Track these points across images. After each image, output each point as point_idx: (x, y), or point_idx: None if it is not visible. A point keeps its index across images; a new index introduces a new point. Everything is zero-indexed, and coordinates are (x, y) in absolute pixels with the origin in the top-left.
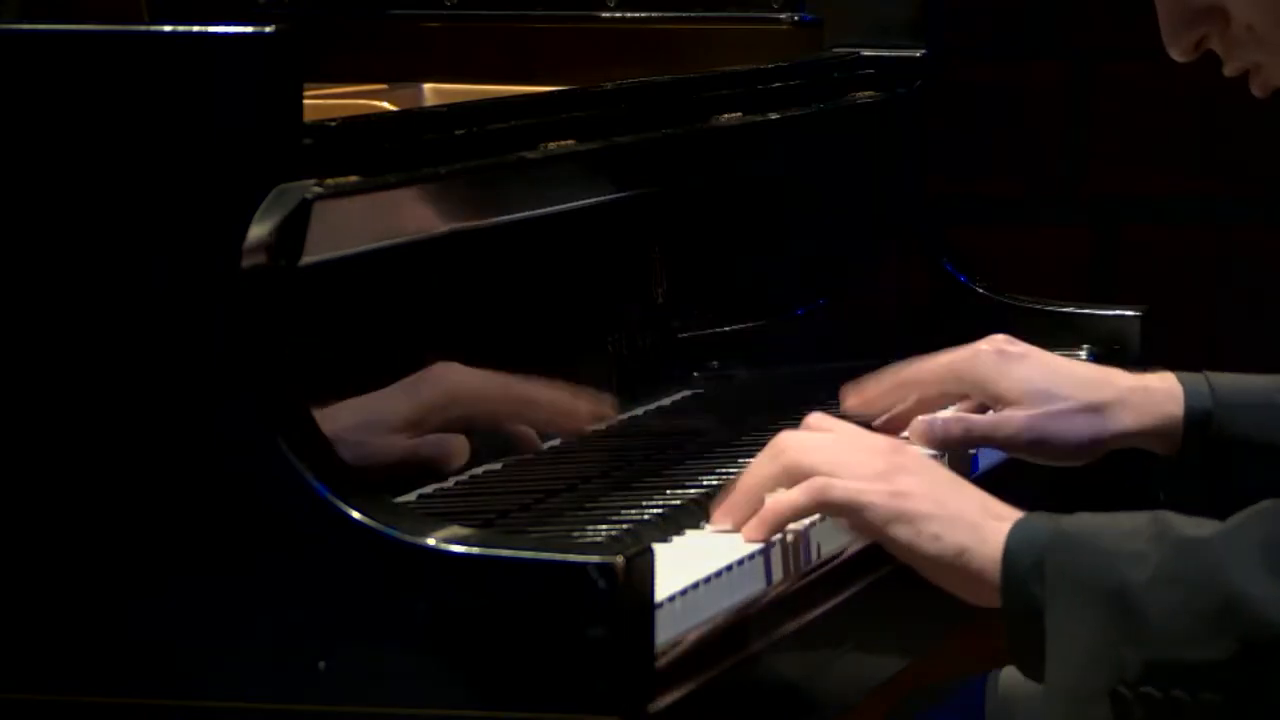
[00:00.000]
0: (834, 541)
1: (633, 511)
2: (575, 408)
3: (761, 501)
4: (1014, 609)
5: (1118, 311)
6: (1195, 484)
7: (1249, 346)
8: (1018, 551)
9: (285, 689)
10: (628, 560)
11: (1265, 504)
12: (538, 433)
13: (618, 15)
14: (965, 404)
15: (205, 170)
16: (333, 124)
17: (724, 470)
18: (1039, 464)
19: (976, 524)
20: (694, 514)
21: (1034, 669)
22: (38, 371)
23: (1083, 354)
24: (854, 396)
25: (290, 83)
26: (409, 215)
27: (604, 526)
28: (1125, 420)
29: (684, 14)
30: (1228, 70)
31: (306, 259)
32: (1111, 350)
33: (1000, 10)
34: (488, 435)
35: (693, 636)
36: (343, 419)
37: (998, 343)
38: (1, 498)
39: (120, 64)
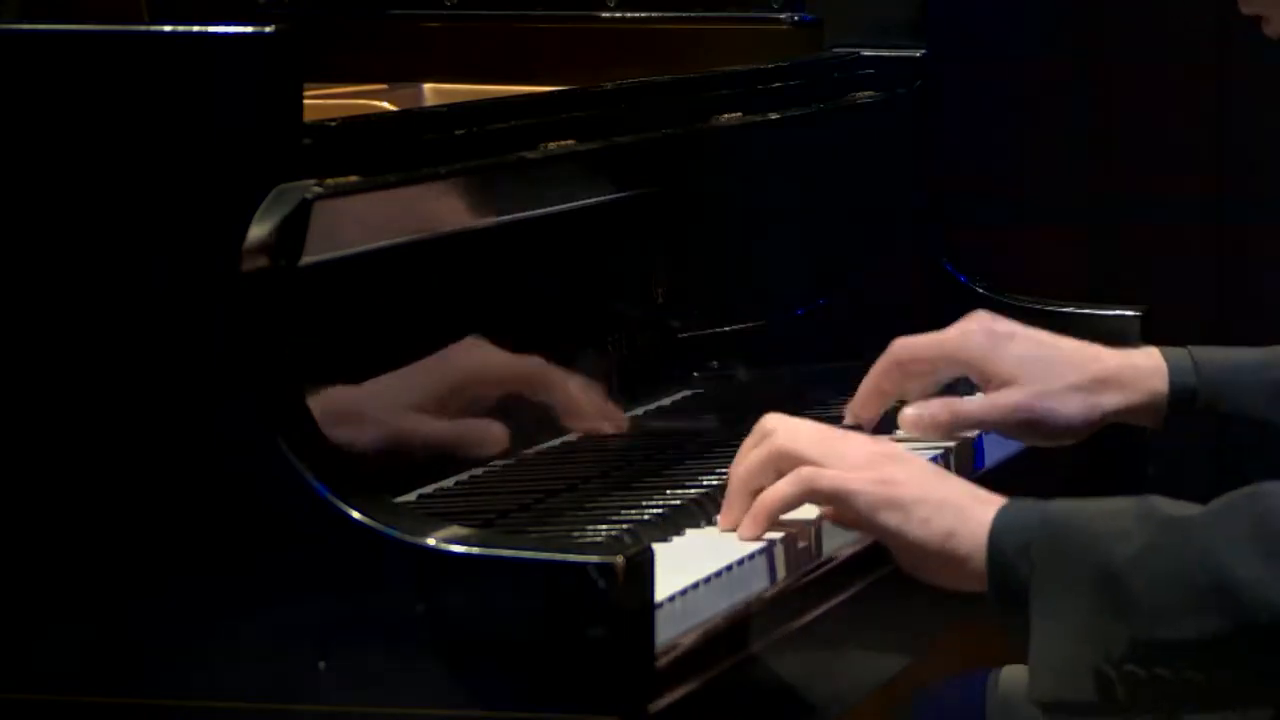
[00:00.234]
0: (834, 541)
1: (633, 511)
2: (595, 400)
3: (755, 493)
4: (1000, 590)
5: (1118, 311)
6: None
7: (1251, 347)
8: (1004, 533)
9: (285, 689)
10: (628, 560)
11: (1252, 487)
12: (558, 420)
13: (618, 15)
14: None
15: (205, 170)
16: (333, 124)
17: (724, 470)
18: (1034, 445)
19: (963, 508)
20: (694, 514)
21: (1020, 649)
22: (38, 372)
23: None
24: (853, 404)
25: (290, 83)
26: (409, 215)
27: (604, 526)
28: (1114, 398)
29: (684, 14)
30: (1243, 8)
31: (306, 259)
32: None
33: (1000, 9)
34: (509, 419)
35: (693, 636)
36: (366, 403)
37: (984, 321)
38: (1, 498)
39: (120, 64)
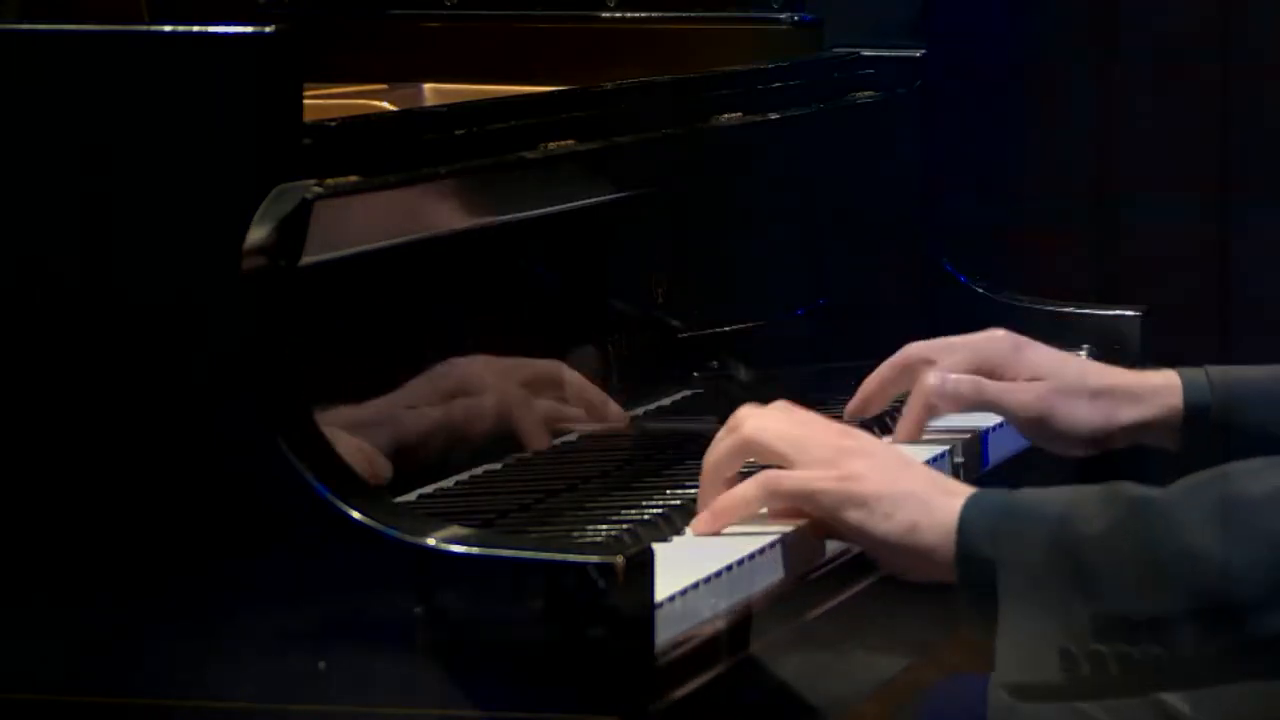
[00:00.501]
0: (835, 543)
1: (633, 511)
2: (594, 402)
3: (726, 483)
4: (968, 578)
5: (1118, 311)
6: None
7: (1251, 347)
8: (971, 520)
9: (285, 689)
10: (628, 560)
11: (1218, 468)
12: (555, 422)
13: (618, 15)
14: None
15: (205, 170)
16: (333, 124)
17: None
18: (1044, 450)
19: (926, 499)
20: (694, 514)
21: (987, 634)
22: (38, 372)
23: (1083, 354)
24: (860, 395)
25: (290, 83)
26: (409, 215)
27: (604, 526)
28: (1130, 411)
29: (684, 14)
30: None
31: (306, 259)
32: (1111, 350)
33: (1002, 8)
34: (500, 427)
35: (693, 636)
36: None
37: (1006, 332)
38: (1, 498)
39: (120, 64)
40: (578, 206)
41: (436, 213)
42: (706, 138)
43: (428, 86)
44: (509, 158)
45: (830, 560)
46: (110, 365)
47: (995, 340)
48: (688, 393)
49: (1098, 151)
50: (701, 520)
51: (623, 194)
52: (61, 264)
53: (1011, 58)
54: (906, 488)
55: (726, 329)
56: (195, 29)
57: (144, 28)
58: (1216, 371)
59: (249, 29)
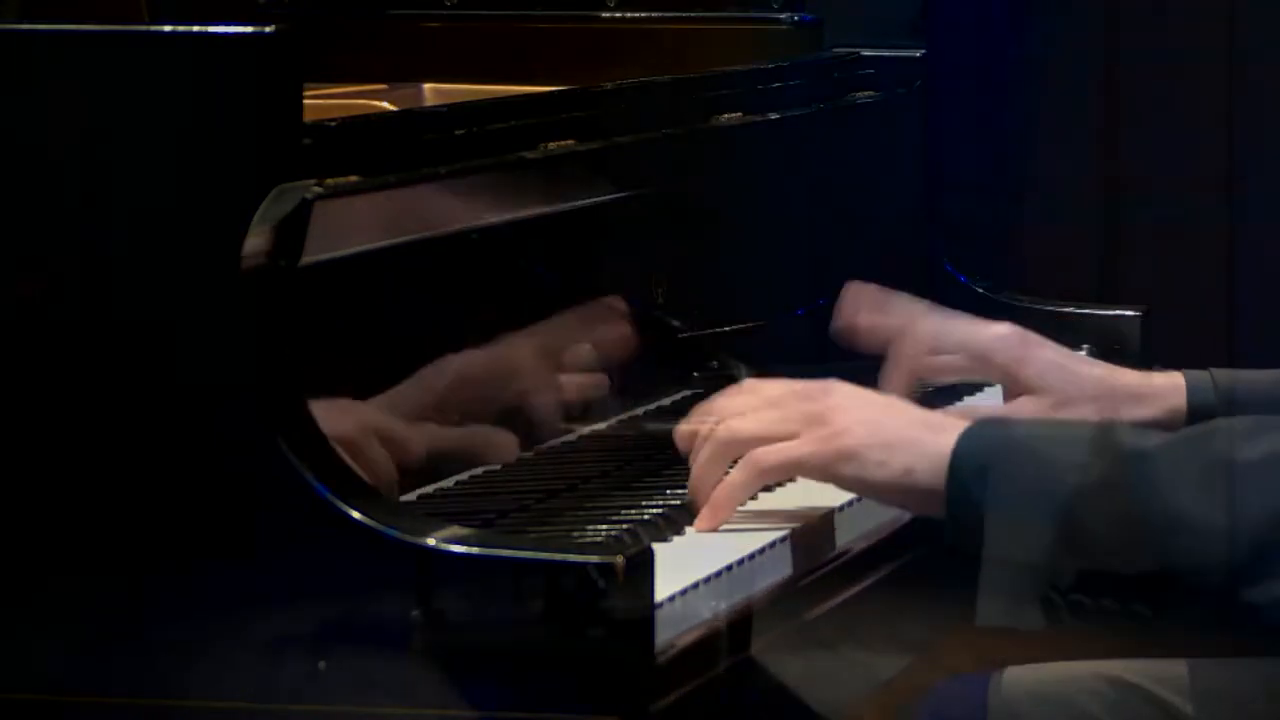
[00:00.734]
0: (834, 542)
1: (633, 511)
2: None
3: (722, 493)
4: (957, 518)
5: (1118, 311)
6: None
7: (1253, 347)
8: (964, 456)
9: (285, 689)
10: (628, 560)
11: (1211, 423)
12: (553, 419)
13: (618, 15)
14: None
15: (205, 170)
16: (333, 124)
17: None
18: None
19: (916, 440)
20: (694, 514)
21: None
22: (37, 373)
23: (1083, 354)
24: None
25: (290, 83)
26: (409, 215)
27: (604, 526)
28: (1133, 414)
29: (684, 14)
30: None
31: (306, 259)
32: (1111, 350)
33: (1003, 7)
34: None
35: (693, 636)
36: (361, 416)
37: (1015, 328)
38: (1, 497)
39: (120, 64)
40: (578, 206)
41: (436, 213)
42: (706, 138)
43: (428, 86)
44: (509, 158)
45: (830, 560)
46: (110, 365)
47: (1005, 338)
48: (688, 393)
49: (1099, 151)
50: (702, 518)
51: (623, 194)
52: (61, 264)
53: (1012, 57)
54: (894, 432)
55: (726, 329)
56: (195, 29)
57: (144, 28)
58: (1221, 374)
59: (249, 29)
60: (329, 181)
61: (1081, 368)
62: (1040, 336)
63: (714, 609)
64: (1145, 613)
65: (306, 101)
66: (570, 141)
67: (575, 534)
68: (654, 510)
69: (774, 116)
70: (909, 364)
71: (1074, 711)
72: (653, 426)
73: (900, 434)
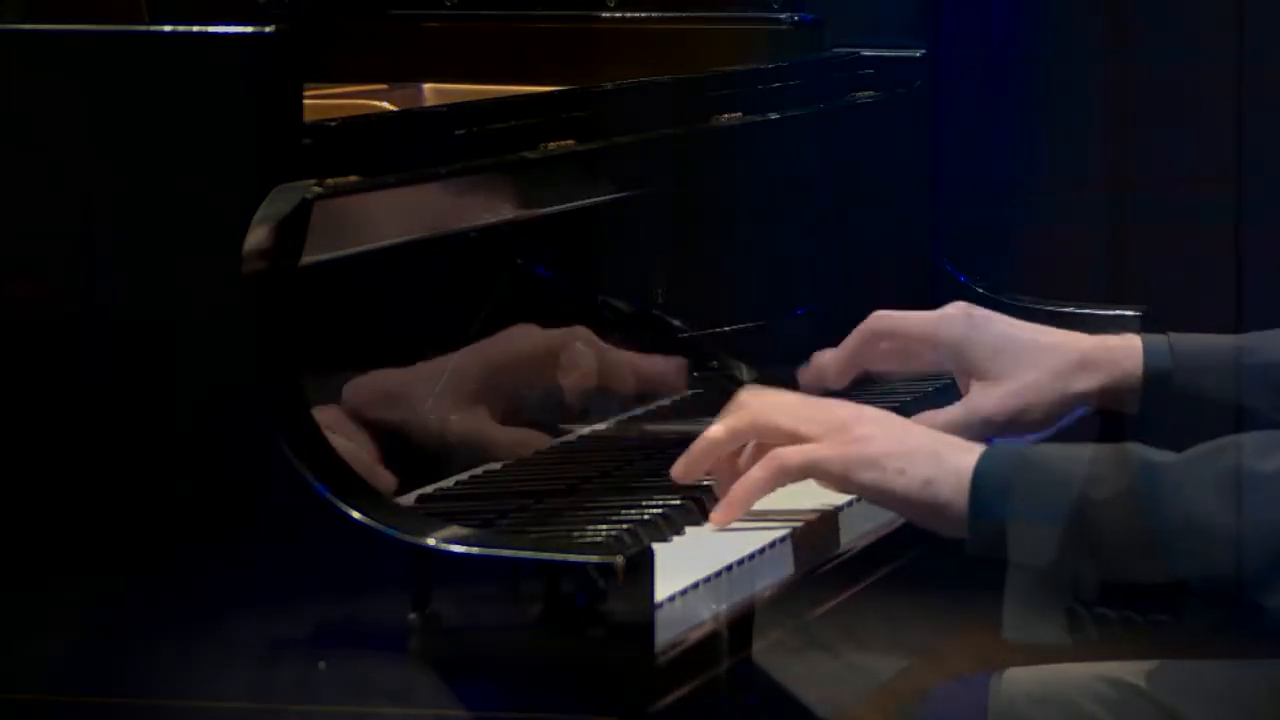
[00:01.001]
0: (837, 542)
1: (633, 511)
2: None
3: (727, 459)
4: (980, 533)
5: (1118, 311)
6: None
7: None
8: (987, 474)
9: (284, 689)
10: (628, 560)
11: (1230, 438)
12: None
13: (618, 15)
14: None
15: (205, 170)
16: (333, 124)
17: None
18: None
19: (937, 454)
20: (694, 514)
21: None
22: (37, 373)
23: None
24: (820, 366)
25: (290, 83)
26: (408, 215)
27: (604, 526)
28: (1084, 380)
29: (684, 14)
30: None
31: (306, 259)
32: None
33: (1005, 7)
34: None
35: (693, 636)
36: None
37: (962, 307)
38: (1, 497)
39: (120, 64)
40: (578, 206)
41: (436, 213)
42: (706, 138)
43: (428, 86)
44: (509, 158)
45: (831, 561)
46: (110, 365)
47: (952, 320)
48: (688, 393)
49: (1101, 151)
50: (718, 513)
51: (623, 194)
52: (62, 264)
53: (1013, 56)
54: (916, 444)
55: (726, 329)
56: (195, 29)
57: (144, 28)
58: (1180, 339)
59: (249, 29)
60: (329, 181)
61: (1033, 337)
62: (989, 312)
63: (714, 609)
64: (1167, 622)
65: (306, 101)
66: (570, 141)
67: (575, 534)
68: (654, 510)
69: (774, 116)
70: (855, 342)
71: (1074, 712)
72: (653, 427)
73: (922, 446)
